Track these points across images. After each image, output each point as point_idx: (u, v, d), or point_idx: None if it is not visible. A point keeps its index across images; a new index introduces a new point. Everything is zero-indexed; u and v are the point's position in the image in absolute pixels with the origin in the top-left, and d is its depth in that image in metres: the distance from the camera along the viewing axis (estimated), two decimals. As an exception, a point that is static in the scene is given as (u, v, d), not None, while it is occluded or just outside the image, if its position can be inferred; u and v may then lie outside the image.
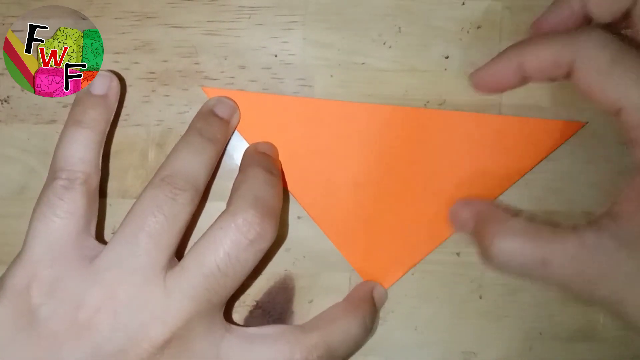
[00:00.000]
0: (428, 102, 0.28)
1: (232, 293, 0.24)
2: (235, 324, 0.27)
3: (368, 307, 0.26)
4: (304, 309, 0.28)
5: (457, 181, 0.27)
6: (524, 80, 0.24)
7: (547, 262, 0.22)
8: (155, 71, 0.27)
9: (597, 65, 0.22)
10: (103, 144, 0.25)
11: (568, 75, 0.23)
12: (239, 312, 0.28)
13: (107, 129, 0.26)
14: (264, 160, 0.26)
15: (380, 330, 0.28)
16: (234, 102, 0.27)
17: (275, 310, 0.28)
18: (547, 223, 0.23)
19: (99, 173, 0.25)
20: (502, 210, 0.24)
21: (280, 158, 0.27)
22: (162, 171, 0.24)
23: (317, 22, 0.27)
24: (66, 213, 0.23)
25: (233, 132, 0.27)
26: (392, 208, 0.27)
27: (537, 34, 0.26)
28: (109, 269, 0.23)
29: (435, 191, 0.27)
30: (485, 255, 0.23)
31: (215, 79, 0.27)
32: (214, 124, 0.26)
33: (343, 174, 0.27)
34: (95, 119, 0.25)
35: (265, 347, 0.24)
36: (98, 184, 0.25)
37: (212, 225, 0.23)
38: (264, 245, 0.24)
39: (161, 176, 0.24)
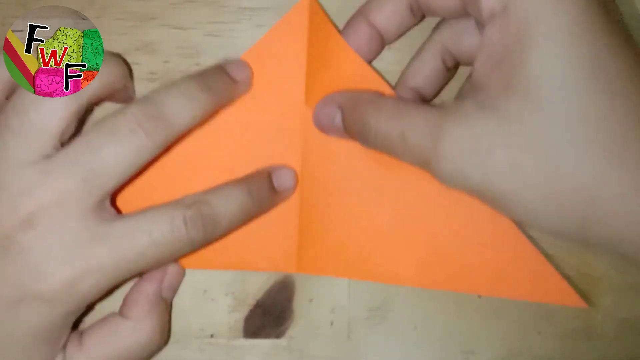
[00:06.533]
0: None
1: (114, 185, 0.23)
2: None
3: (256, 179, 0.26)
4: (304, 308, 0.28)
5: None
6: (381, 39, 0.25)
7: (406, 135, 0.22)
8: (156, 72, 0.27)
9: None
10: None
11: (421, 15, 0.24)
12: (240, 311, 0.28)
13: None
14: (210, 76, 0.25)
15: (380, 329, 0.28)
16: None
17: (275, 309, 0.28)
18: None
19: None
20: (369, 92, 0.24)
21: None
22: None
23: (318, 23, 0.27)
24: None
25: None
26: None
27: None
28: None
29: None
30: (362, 140, 0.24)
31: (216, 80, 0.27)
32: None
33: None
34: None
35: (146, 220, 0.23)
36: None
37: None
38: (142, 145, 0.23)
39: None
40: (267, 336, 0.28)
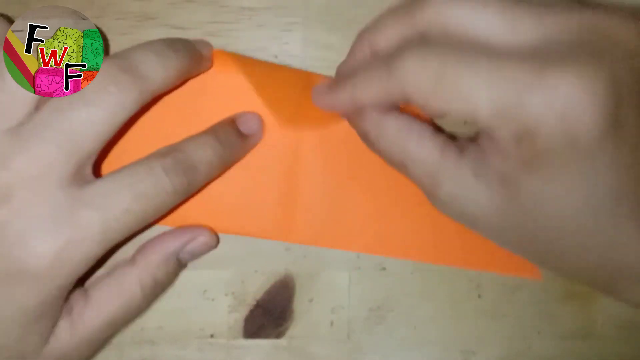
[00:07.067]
0: (427, 102, 0.28)
1: (91, 149, 0.22)
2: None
3: (221, 125, 0.26)
4: (304, 308, 0.28)
5: None
6: (359, 110, 0.24)
7: (406, 166, 0.23)
8: (156, 72, 0.27)
9: (423, 90, 0.20)
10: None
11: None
12: (240, 311, 0.28)
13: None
14: (177, 41, 0.24)
15: (380, 329, 0.28)
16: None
17: (275, 309, 0.28)
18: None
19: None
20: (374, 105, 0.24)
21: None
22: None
23: (318, 23, 0.27)
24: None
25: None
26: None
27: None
28: None
29: None
30: (364, 142, 0.25)
31: (216, 80, 0.27)
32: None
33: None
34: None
35: (126, 175, 0.22)
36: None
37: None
38: (117, 103, 0.22)
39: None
40: (267, 336, 0.28)
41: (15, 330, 0.22)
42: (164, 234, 0.26)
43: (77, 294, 0.24)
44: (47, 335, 0.23)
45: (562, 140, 0.19)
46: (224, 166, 0.26)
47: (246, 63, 0.27)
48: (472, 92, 0.20)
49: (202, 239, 0.26)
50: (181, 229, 0.26)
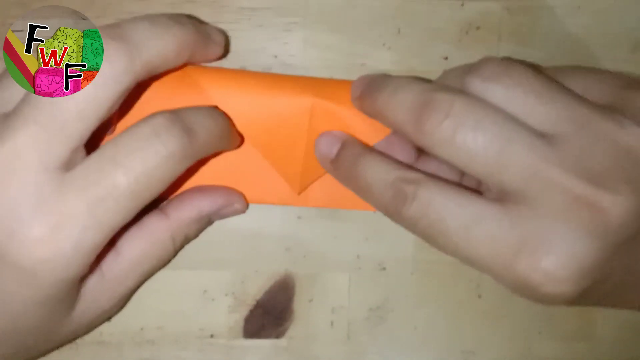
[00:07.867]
0: (427, 102, 0.28)
1: (84, 128, 0.20)
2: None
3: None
4: (304, 308, 0.28)
5: None
6: None
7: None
8: (156, 72, 0.27)
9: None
10: None
11: None
12: (240, 311, 0.28)
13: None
14: (183, 14, 0.24)
15: (380, 329, 0.28)
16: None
17: (275, 309, 0.28)
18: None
19: None
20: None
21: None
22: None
23: (317, 23, 0.27)
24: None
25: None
26: None
27: None
28: None
29: None
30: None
31: (216, 80, 0.27)
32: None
33: None
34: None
35: (110, 146, 0.20)
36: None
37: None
38: (104, 73, 0.20)
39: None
40: (267, 336, 0.28)
41: (30, 319, 0.21)
42: (198, 189, 0.26)
43: (105, 248, 0.23)
44: (68, 309, 0.22)
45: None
46: (222, 140, 0.23)
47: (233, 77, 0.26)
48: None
49: (237, 206, 0.26)
50: (216, 189, 0.26)
